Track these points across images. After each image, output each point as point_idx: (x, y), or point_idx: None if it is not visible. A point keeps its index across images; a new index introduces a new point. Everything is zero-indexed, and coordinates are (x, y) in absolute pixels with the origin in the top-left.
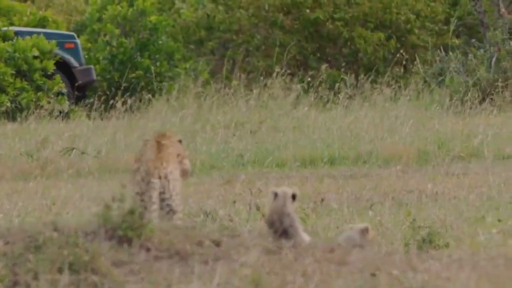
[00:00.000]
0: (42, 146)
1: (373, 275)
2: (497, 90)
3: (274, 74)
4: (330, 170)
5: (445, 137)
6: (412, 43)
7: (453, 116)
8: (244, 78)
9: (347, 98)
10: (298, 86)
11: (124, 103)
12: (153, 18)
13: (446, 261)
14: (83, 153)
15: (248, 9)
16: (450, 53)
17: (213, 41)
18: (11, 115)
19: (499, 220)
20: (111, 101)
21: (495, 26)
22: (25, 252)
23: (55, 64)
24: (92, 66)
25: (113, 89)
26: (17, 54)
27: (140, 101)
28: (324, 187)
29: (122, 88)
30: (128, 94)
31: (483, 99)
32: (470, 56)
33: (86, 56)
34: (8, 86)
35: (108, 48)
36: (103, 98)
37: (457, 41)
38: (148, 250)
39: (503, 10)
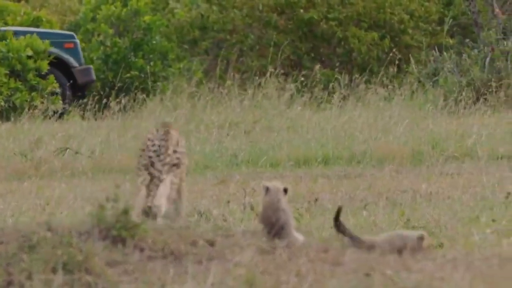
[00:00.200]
0: (36, 146)
1: (367, 275)
2: (491, 90)
3: (268, 74)
4: (324, 170)
5: (439, 137)
6: (406, 43)
7: (447, 116)
8: (238, 78)
9: (341, 98)
10: (292, 86)
11: (118, 103)
12: (147, 18)
13: (440, 261)
14: (77, 153)
15: (242, 9)
16: (444, 53)
17: (207, 41)
18: (5, 115)
19: (493, 220)
20: (105, 101)
21: (489, 26)
22: (19, 252)
23: (55, 64)
24: (91, 66)
25: (107, 89)
26: (10, 54)
27: (134, 101)
28: (318, 187)
29: (116, 88)
30: (122, 94)
31: (477, 99)
32: (464, 56)
33: None
34: (2, 86)
35: (102, 48)
36: (97, 98)
37: (451, 41)
38: (142, 250)
39: (497, 10)
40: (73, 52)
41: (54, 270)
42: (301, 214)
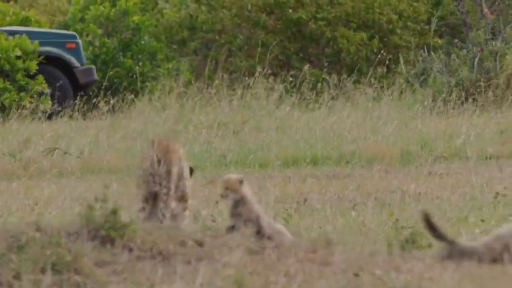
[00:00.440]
0: (25, 146)
1: (356, 275)
2: (479, 90)
3: (257, 74)
4: (313, 170)
5: (428, 137)
6: (394, 43)
7: (436, 116)
8: (226, 78)
9: (330, 99)
10: (281, 86)
11: (106, 103)
12: (135, 18)
13: (429, 261)
14: (65, 153)
15: (231, 9)
16: (433, 53)
17: (195, 41)
18: None
19: (482, 220)
20: (94, 101)
21: (478, 26)
22: (7, 252)
23: (55, 64)
24: (93, 66)
25: (95, 89)
26: None
27: (123, 101)
28: (307, 187)
29: (105, 88)
30: (110, 94)
31: (466, 99)
32: (453, 56)
33: None
34: None
35: (90, 48)
36: (85, 98)
37: (439, 41)
38: (130, 250)
39: (485, 10)
40: (75, 52)
41: (43, 270)
42: (290, 215)
